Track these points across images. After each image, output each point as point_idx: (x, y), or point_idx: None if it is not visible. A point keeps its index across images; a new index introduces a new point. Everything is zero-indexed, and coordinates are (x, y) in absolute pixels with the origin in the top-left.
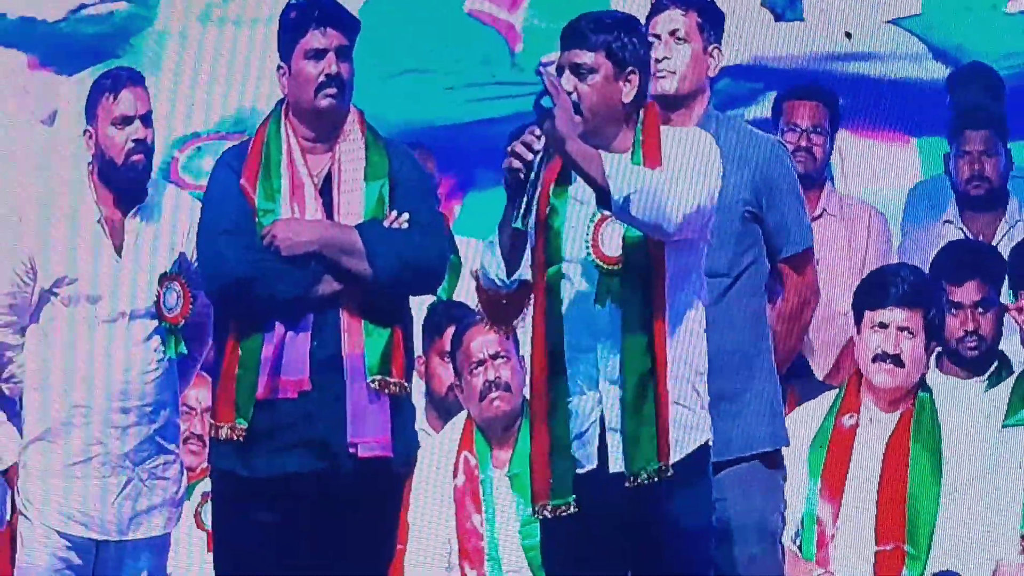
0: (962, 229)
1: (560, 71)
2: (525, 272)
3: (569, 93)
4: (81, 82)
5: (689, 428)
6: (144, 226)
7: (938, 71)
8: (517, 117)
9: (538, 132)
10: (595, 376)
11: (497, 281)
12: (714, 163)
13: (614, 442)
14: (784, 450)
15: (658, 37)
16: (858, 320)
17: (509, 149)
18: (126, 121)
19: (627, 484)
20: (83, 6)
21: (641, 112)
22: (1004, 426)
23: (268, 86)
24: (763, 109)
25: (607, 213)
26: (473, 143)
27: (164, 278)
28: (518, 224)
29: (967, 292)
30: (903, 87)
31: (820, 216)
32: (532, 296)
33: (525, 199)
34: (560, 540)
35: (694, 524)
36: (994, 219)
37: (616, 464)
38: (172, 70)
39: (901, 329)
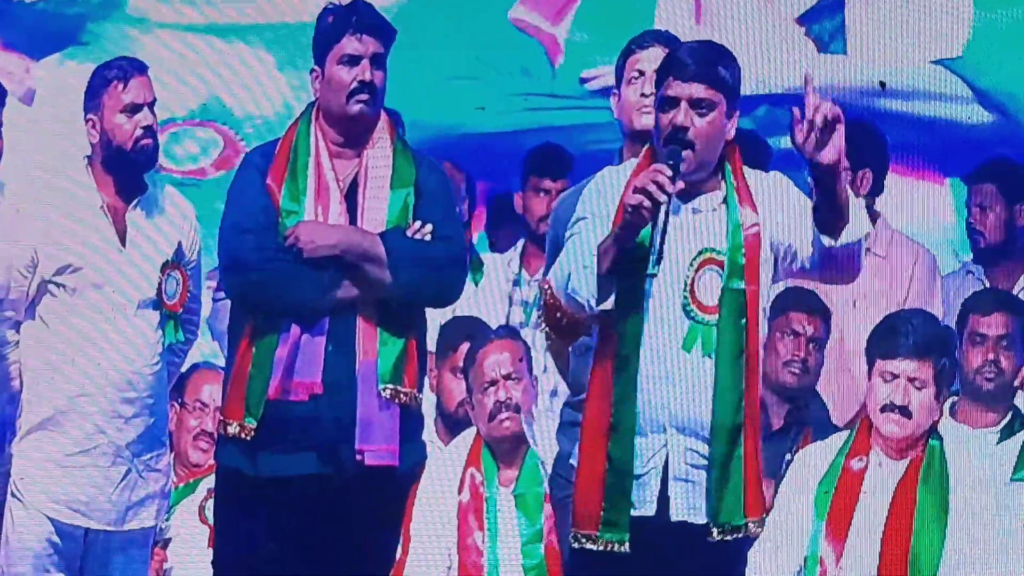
0: (982, 280)
1: (670, 102)
2: (612, 302)
3: (686, 129)
4: (53, 67)
5: None
6: (146, 218)
7: (979, 114)
8: (550, 131)
9: (669, 172)
10: (660, 421)
11: (586, 306)
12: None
13: (678, 491)
14: (792, 489)
15: (642, 73)
16: (870, 367)
17: (638, 187)
18: (135, 109)
19: (709, 537)
20: None
21: (726, 151)
22: (1012, 480)
23: (236, 77)
24: None
25: (709, 257)
26: (506, 154)
27: (165, 266)
28: (654, 271)
29: (993, 323)
30: (942, 127)
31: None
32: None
33: (658, 245)
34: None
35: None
36: (1012, 271)
37: (680, 513)
38: (141, 57)
39: (911, 380)
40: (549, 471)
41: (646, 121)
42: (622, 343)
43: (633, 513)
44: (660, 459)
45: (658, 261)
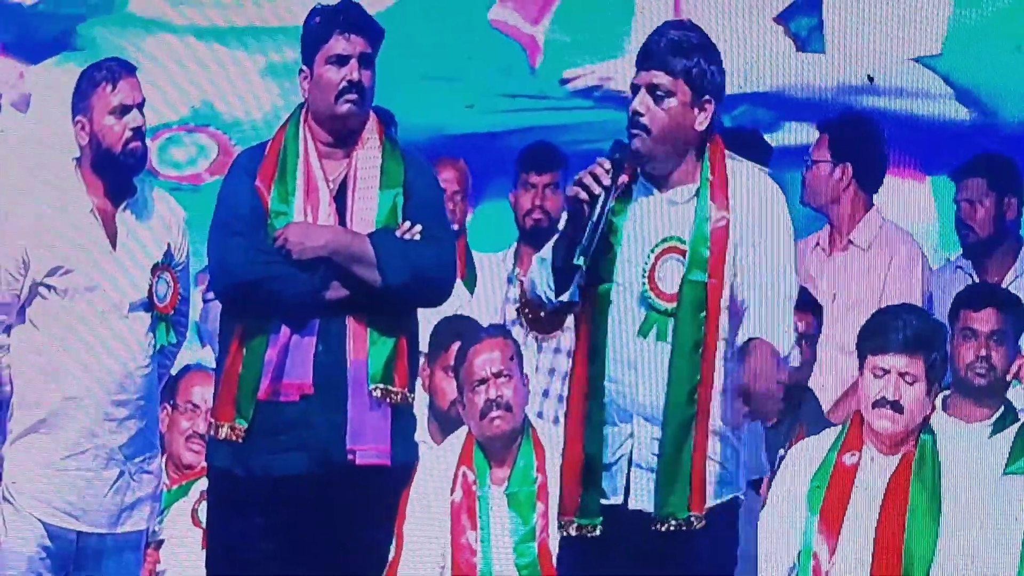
0: (971, 275)
1: (635, 90)
2: (574, 294)
3: (641, 114)
4: (48, 72)
5: (721, 483)
6: (135, 221)
7: (958, 111)
8: (531, 131)
9: (608, 166)
10: (628, 409)
11: (544, 299)
12: (784, 212)
13: (639, 479)
14: (785, 484)
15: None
16: (861, 363)
17: (577, 179)
18: (124, 110)
19: (654, 528)
20: None
21: (707, 146)
22: (1004, 473)
23: (226, 81)
24: (781, 138)
25: (672, 245)
26: (487, 154)
27: (156, 268)
28: (579, 262)
29: (984, 319)
30: (921, 124)
31: (846, 248)
32: (575, 312)
33: (587, 236)
34: (575, 566)
35: (713, 562)
36: (1002, 264)
37: (638, 502)
38: (135, 62)
39: (902, 375)
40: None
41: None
42: (591, 334)
43: (605, 502)
44: (627, 448)
45: (585, 252)
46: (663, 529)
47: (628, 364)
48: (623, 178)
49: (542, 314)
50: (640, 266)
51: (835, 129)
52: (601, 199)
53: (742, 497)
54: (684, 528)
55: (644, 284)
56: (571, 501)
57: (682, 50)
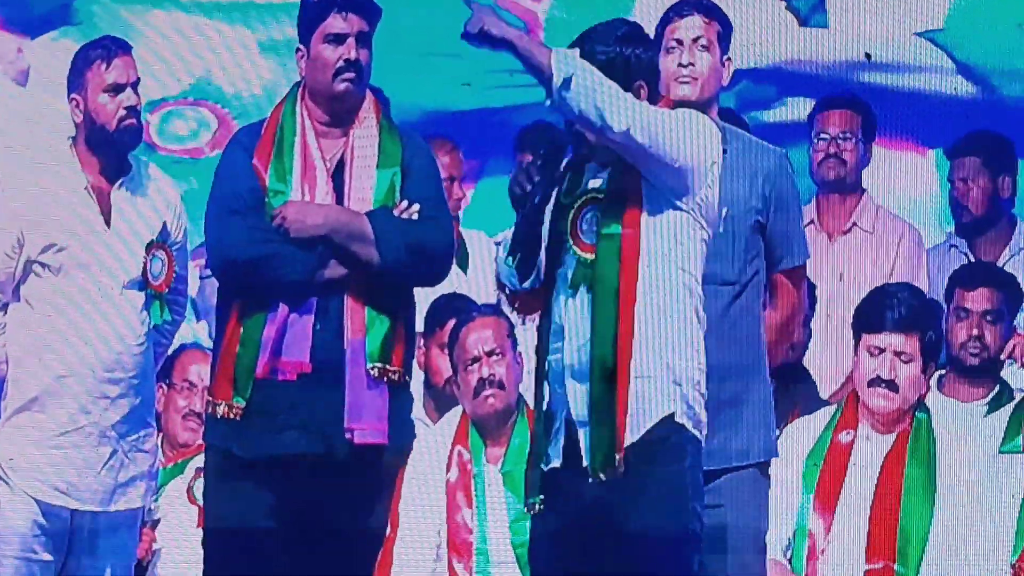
0: (966, 254)
1: None
2: (535, 281)
3: None
4: (46, 47)
5: (650, 400)
6: (131, 199)
7: (961, 85)
8: (532, 108)
9: (539, 162)
10: (563, 371)
11: (508, 286)
12: (700, 126)
13: (583, 436)
14: (780, 463)
15: (680, 43)
16: (856, 341)
17: (513, 175)
18: (118, 89)
19: (590, 480)
20: None
21: None
22: (1000, 452)
23: (225, 56)
24: (782, 113)
25: (591, 197)
26: (487, 131)
27: (151, 246)
28: (508, 263)
29: (978, 298)
30: (924, 99)
31: (850, 230)
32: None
33: (512, 236)
34: (543, 539)
35: (665, 510)
36: (996, 243)
37: (587, 458)
38: (133, 37)
39: (898, 354)
40: None
41: (683, 92)
42: (546, 300)
43: (552, 467)
44: (565, 409)
45: (513, 253)
46: (603, 479)
47: (560, 326)
48: (556, 173)
49: (516, 297)
50: (567, 220)
51: (866, 108)
52: (530, 200)
53: (674, 417)
54: (611, 471)
55: (568, 240)
56: (526, 480)
57: (605, 41)
